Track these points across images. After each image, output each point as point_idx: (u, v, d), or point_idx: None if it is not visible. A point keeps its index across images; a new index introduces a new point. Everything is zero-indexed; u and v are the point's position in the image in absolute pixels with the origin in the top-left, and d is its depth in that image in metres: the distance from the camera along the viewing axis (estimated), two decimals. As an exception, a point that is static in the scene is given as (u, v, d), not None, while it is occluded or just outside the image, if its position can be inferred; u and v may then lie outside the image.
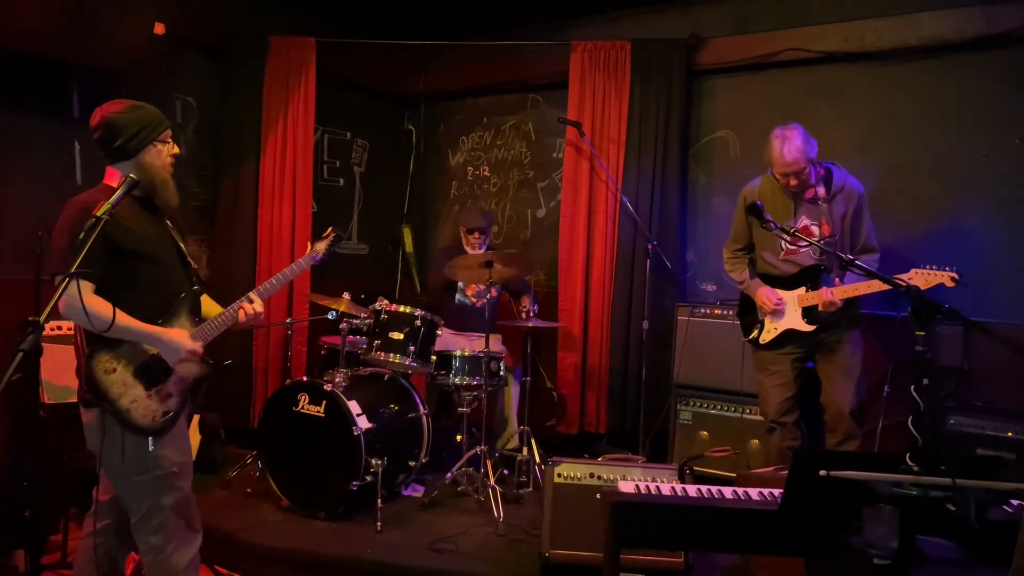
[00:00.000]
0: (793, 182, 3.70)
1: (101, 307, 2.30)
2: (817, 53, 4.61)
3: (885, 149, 4.48)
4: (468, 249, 4.88)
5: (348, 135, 6.04)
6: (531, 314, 4.53)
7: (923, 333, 1.93)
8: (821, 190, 3.74)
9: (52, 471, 3.32)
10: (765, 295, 3.82)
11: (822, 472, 1.89)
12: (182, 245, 2.67)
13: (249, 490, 4.21)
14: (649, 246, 4.83)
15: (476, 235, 4.87)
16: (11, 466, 3.01)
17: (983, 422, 3.74)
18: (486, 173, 6.11)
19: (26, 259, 4.05)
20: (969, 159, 4.28)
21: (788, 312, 3.80)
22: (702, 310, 4.67)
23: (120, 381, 2.44)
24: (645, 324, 4.87)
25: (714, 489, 2.47)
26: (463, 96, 6.20)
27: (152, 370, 2.49)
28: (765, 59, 4.79)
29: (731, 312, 4.54)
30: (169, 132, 2.61)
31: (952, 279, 3.37)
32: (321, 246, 3.02)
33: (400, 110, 6.50)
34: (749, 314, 4.00)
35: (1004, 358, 4.06)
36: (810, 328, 3.74)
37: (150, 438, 2.46)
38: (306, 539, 3.66)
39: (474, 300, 4.94)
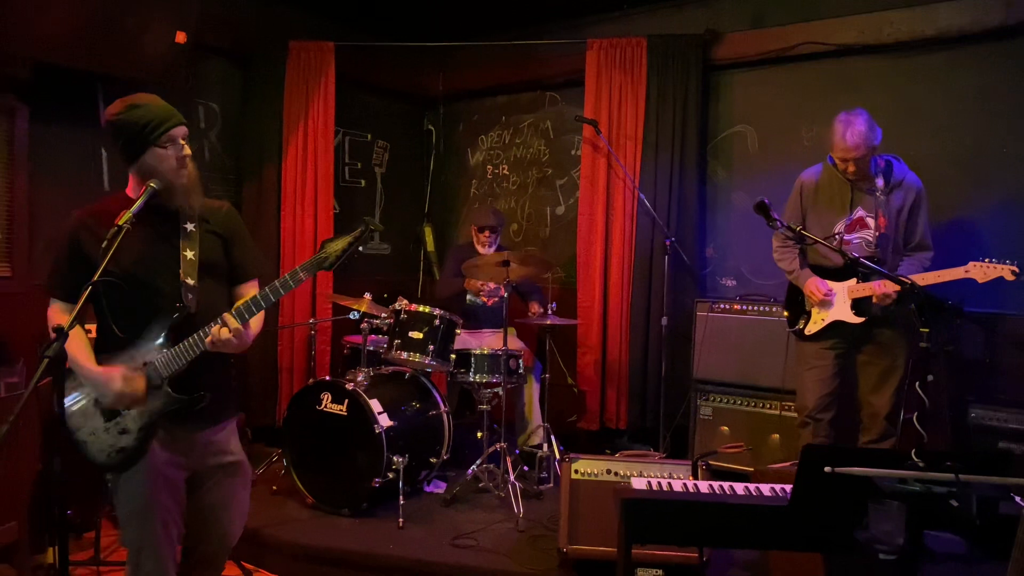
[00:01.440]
0: (852, 168, 3.66)
1: (51, 323, 2.30)
2: (834, 46, 4.59)
3: (906, 141, 4.43)
4: (479, 248, 4.95)
5: (369, 136, 6.11)
6: (549, 312, 4.55)
7: (927, 330, 1.94)
8: (880, 182, 3.70)
9: (84, 472, 3.42)
10: (815, 285, 3.76)
11: (827, 468, 1.91)
12: (187, 255, 2.38)
13: (275, 487, 4.30)
14: (667, 242, 4.85)
15: (487, 233, 4.95)
16: (43, 467, 3.11)
17: (1006, 415, 3.72)
18: (505, 171, 6.15)
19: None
20: (991, 150, 4.23)
21: (837, 303, 3.74)
22: (721, 305, 4.67)
23: (81, 411, 2.32)
24: (664, 320, 4.89)
25: (726, 485, 2.49)
26: (481, 96, 6.24)
27: (119, 406, 2.31)
28: (782, 53, 4.77)
29: (750, 307, 4.55)
30: (175, 133, 2.32)
31: (1013, 272, 3.33)
32: (335, 247, 2.31)
33: (420, 111, 6.56)
34: (796, 305, 3.95)
35: (1027, 351, 4.02)
36: (859, 320, 3.68)
37: (108, 475, 2.34)
38: (330, 535, 3.74)
39: (485, 300, 4.98)
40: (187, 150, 2.35)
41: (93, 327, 3.87)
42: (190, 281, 2.36)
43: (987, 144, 4.24)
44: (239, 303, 2.33)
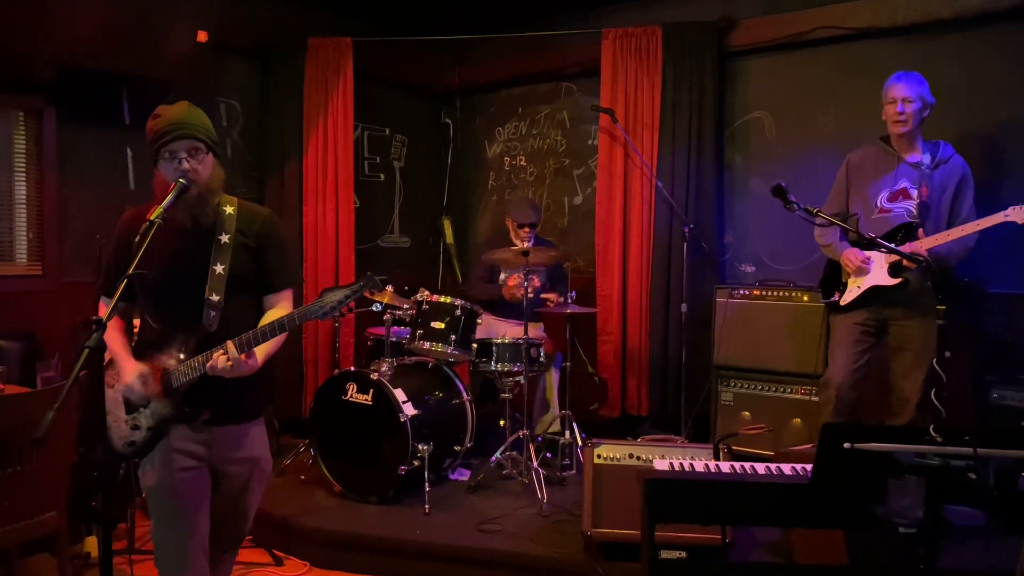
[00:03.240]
0: (897, 109, 3.68)
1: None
2: (849, 30, 4.57)
3: (926, 124, 4.43)
4: (517, 243, 4.86)
5: (387, 131, 6.17)
6: (569, 301, 4.56)
7: (944, 307, 1.96)
8: (927, 158, 3.74)
9: (119, 462, 3.51)
10: (852, 254, 3.77)
11: (845, 444, 1.94)
12: (217, 269, 2.37)
13: (303, 477, 4.38)
14: (686, 229, 4.87)
15: (526, 230, 4.83)
16: (81, 458, 3.20)
17: (1027, 395, 3.71)
18: (523, 163, 6.18)
19: (86, 262, 4.30)
20: (1013, 132, 4.20)
21: (874, 269, 3.73)
22: (741, 291, 4.69)
23: (113, 398, 2.43)
24: (684, 307, 4.91)
25: (747, 465, 2.51)
26: (498, 88, 6.27)
27: (130, 397, 2.41)
28: (797, 38, 4.76)
29: (770, 292, 4.57)
30: (172, 147, 2.28)
31: None
32: (333, 297, 2.25)
33: (437, 104, 6.61)
34: (832, 278, 3.95)
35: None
36: (894, 281, 3.64)
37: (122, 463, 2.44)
38: (358, 522, 3.81)
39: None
40: (186, 164, 2.28)
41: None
42: (214, 298, 2.35)
43: (1007, 127, 4.21)
44: (248, 333, 2.29)
